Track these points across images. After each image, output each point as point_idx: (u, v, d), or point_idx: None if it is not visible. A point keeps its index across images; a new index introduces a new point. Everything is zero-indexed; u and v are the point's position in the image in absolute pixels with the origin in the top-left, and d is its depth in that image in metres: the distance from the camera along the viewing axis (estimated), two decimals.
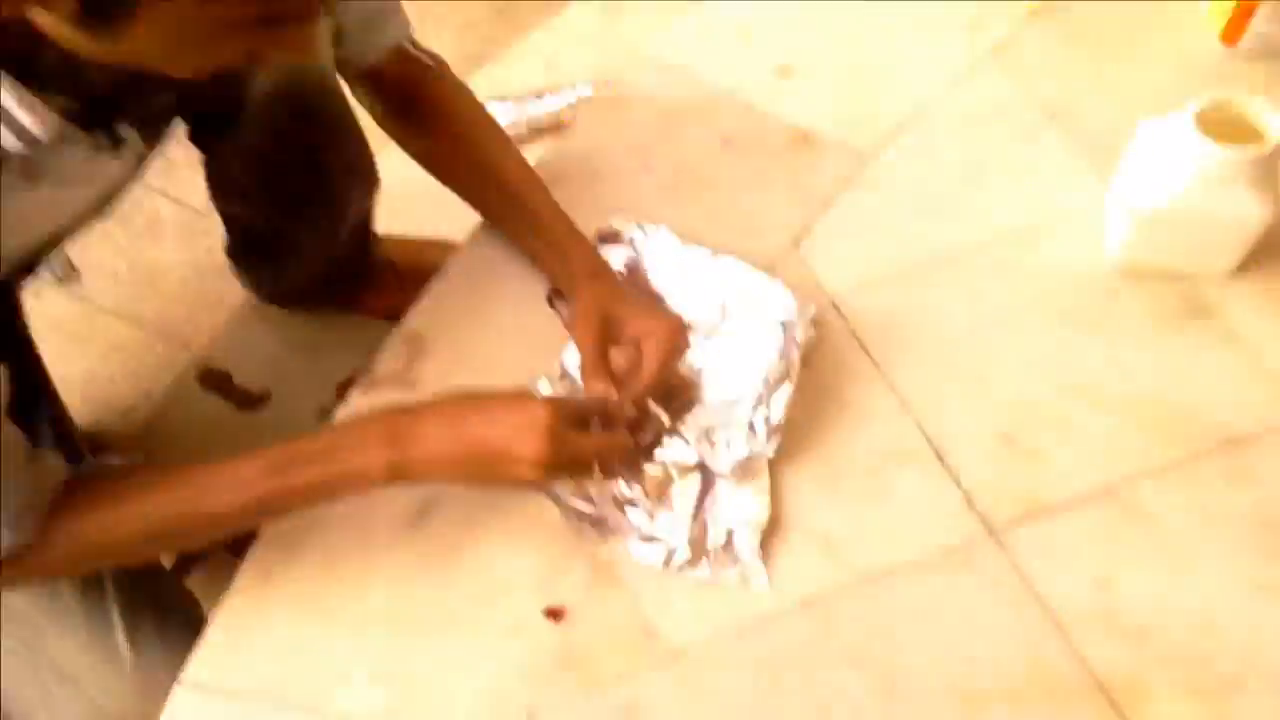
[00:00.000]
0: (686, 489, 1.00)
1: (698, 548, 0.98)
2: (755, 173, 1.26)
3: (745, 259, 1.14)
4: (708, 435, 1.02)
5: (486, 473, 0.91)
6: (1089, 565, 0.99)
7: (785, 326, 1.05)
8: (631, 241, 1.14)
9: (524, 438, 0.87)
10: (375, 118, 1.16)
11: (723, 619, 0.97)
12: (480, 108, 1.16)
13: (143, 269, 1.78)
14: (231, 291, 1.60)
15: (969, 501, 1.02)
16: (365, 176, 1.31)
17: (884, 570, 0.99)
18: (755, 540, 0.98)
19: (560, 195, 1.16)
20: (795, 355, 1.04)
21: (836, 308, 1.15)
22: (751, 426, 1.01)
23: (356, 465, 0.88)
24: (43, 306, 1.74)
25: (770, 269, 1.16)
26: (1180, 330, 1.11)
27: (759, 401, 1.02)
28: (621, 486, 1.00)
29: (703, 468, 1.01)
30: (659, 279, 1.12)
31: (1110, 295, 1.14)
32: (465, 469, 0.90)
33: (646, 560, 0.98)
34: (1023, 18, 1.37)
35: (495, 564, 1.00)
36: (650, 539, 0.99)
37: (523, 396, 0.90)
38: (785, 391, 1.02)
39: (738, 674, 0.94)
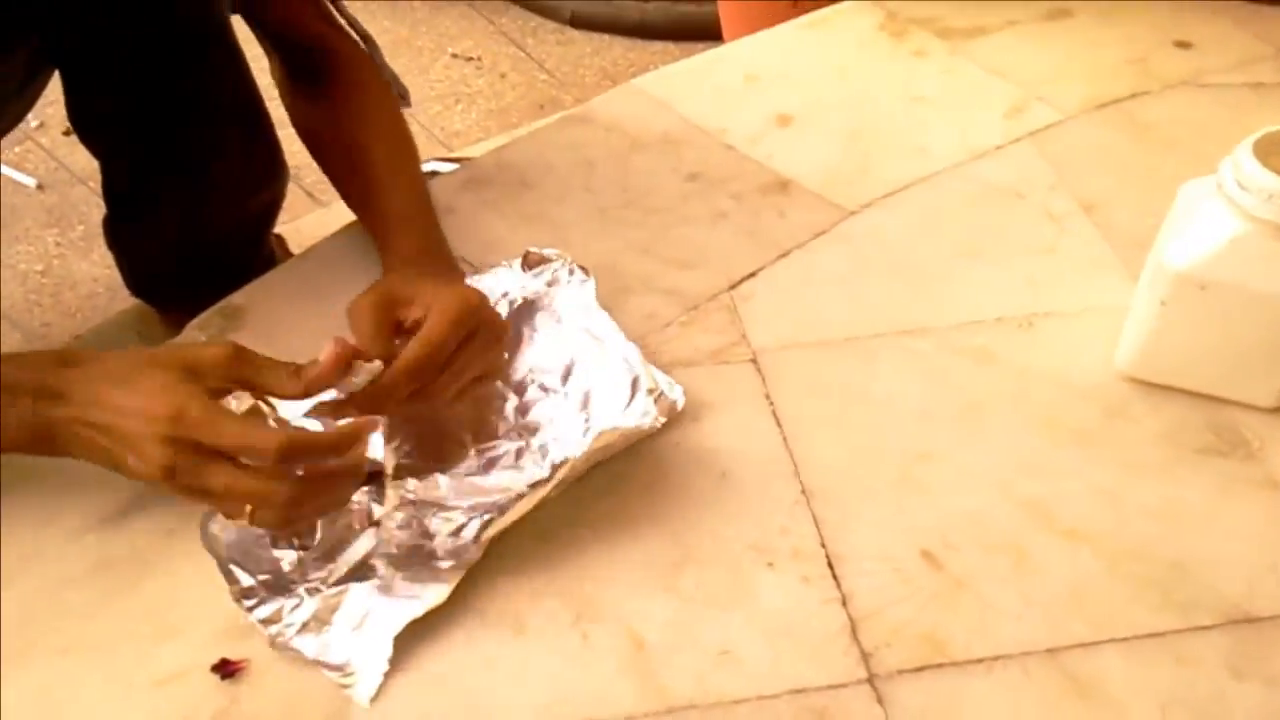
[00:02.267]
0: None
1: (327, 610, 0.72)
2: (712, 209, 1.03)
3: (670, 290, 0.94)
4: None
5: (121, 470, 0.68)
6: None
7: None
8: (553, 277, 0.90)
9: (140, 440, 0.65)
10: (273, 73, 1.01)
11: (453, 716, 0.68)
12: (386, 100, 1.00)
13: (58, 277, 1.62)
14: (131, 314, 1.41)
15: (852, 631, 0.73)
16: (258, 155, 1.13)
17: (706, 702, 0.69)
18: (389, 643, 0.70)
19: (487, 196, 1.03)
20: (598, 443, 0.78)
21: (755, 362, 0.89)
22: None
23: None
24: None
25: (693, 306, 0.91)
26: (1200, 466, 0.82)
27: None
28: None
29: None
30: (541, 319, 0.88)
31: (1113, 408, 0.86)
32: (100, 461, 0.69)
33: (257, 614, 0.71)
34: (1075, 111, 1.13)
35: (180, 593, 0.74)
36: (279, 584, 0.72)
37: (165, 389, 0.66)
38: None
39: None
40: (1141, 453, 0.83)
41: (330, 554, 0.73)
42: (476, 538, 0.74)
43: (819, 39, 1.25)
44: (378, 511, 0.75)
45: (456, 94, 1.96)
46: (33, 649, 0.70)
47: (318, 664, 0.69)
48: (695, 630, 0.72)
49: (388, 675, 0.69)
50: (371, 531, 0.74)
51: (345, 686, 0.68)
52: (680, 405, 0.84)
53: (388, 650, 0.69)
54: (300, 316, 0.90)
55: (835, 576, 0.76)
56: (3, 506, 0.76)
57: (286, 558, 0.73)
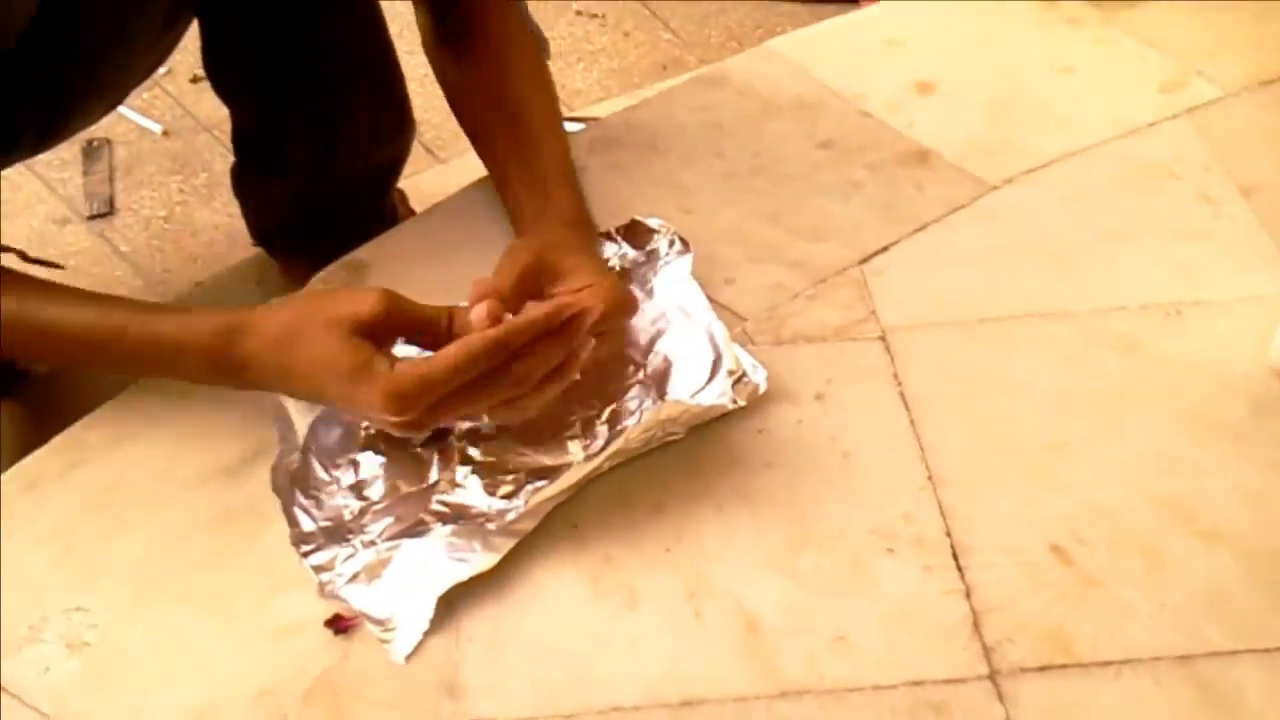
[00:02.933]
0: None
1: (379, 564, 0.72)
2: (846, 179, 1.00)
3: (797, 261, 0.92)
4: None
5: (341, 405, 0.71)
6: None
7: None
8: (654, 247, 0.88)
9: (366, 417, 0.71)
10: (422, 32, 1.00)
11: (561, 698, 0.68)
12: (536, 54, 0.98)
13: (180, 223, 1.64)
14: (251, 263, 1.45)
15: (975, 624, 0.70)
16: (387, 107, 1.13)
17: (819, 687, 0.68)
18: (432, 602, 0.70)
19: (615, 158, 1.01)
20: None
21: (884, 341, 0.86)
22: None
23: (182, 372, 0.74)
24: (62, 235, 1.63)
25: (821, 279, 0.89)
26: None
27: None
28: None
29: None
30: (633, 290, 0.86)
31: (1263, 405, 0.81)
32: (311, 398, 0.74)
33: (313, 560, 0.73)
34: (1240, 88, 1.06)
35: None
36: (338, 532, 0.74)
37: (358, 370, 0.67)
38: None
39: None
40: None
41: (390, 508, 0.73)
42: (527, 503, 0.73)
43: (964, 4, 1.20)
44: (434, 474, 0.75)
45: (578, 52, 1.94)
46: (153, 596, 0.71)
47: (361, 615, 0.69)
48: (811, 614, 0.71)
49: (496, 642, 0.69)
50: (428, 490, 0.74)
51: (384, 641, 0.68)
52: (763, 389, 0.81)
53: (429, 610, 0.69)
54: (424, 274, 0.89)
55: (959, 567, 0.73)
56: (124, 454, 0.78)
57: (349, 506, 0.73)
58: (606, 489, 0.76)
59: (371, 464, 0.75)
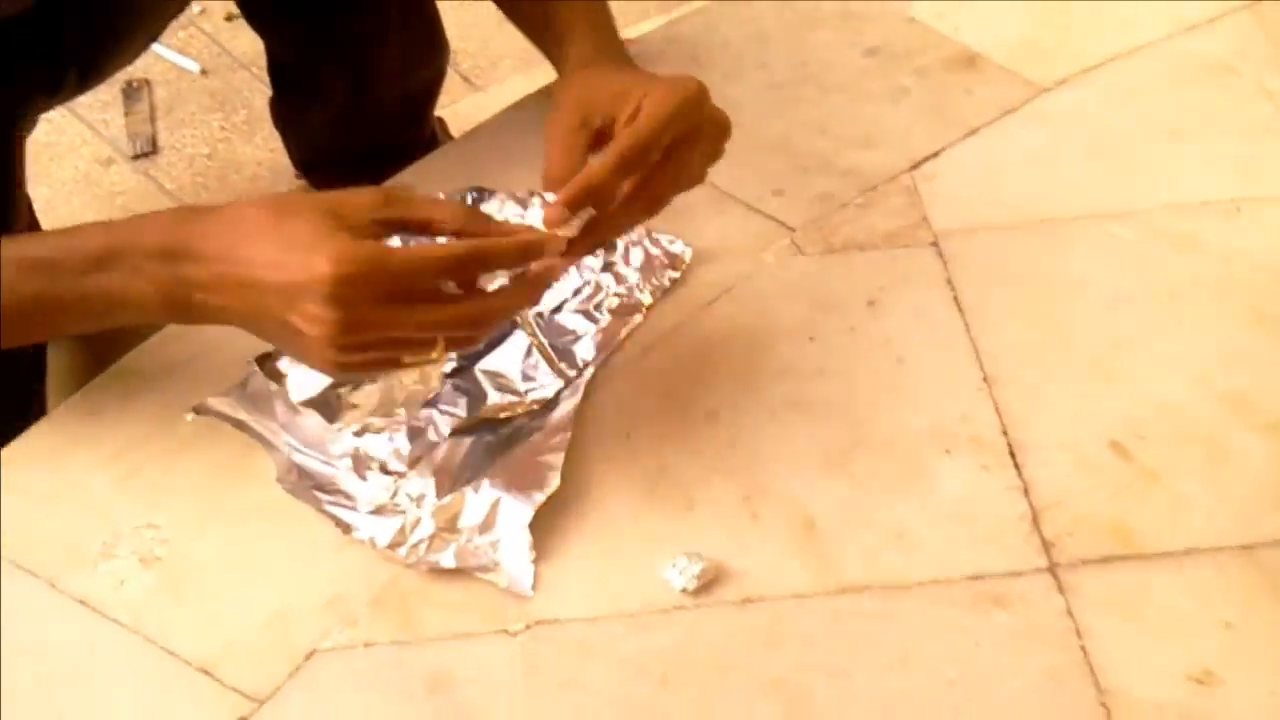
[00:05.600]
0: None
1: (448, 520, 0.70)
2: (894, 86, 0.98)
3: (846, 170, 0.91)
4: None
5: (273, 337, 0.63)
6: (1187, 647, 0.65)
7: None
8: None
9: (299, 299, 0.57)
10: None
11: (624, 596, 0.69)
12: None
13: (223, 160, 1.65)
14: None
15: (1035, 520, 0.70)
16: (419, 31, 1.13)
17: (879, 583, 0.68)
18: (525, 532, 0.69)
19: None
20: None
21: (937, 246, 0.85)
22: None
23: (129, 295, 0.63)
24: (108, 176, 1.64)
25: (871, 187, 0.89)
26: None
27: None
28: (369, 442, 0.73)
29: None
30: None
31: None
32: (250, 325, 0.63)
33: (378, 540, 0.70)
34: None
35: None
36: (385, 509, 0.71)
37: (315, 236, 0.57)
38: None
39: (612, 670, 0.66)
40: None
41: (423, 469, 0.72)
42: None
43: None
44: (444, 429, 0.74)
45: None
46: (218, 512, 0.73)
47: (463, 571, 0.69)
48: (868, 514, 0.71)
49: (559, 548, 0.70)
50: (455, 439, 0.74)
51: (500, 584, 0.68)
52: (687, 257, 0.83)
53: (527, 539, 0.69)
54: None
55: (1017, 465, 0.73)
56: (182, 378, 0.78)
57: (381, 486, 0.71)
58: (659, 399, 0.77)
59: (371, 441, 0.73)
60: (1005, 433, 0.75)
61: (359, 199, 0.60)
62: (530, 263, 0.63)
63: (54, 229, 0.67)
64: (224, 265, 0.60)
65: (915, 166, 0.91)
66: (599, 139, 0.68)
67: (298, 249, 0.57)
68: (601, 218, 0.66)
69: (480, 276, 0.63)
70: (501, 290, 0.64)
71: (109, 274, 0.62)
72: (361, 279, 0.57)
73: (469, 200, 0.86)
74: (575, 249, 0.66)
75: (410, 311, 0.59)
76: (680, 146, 0.67)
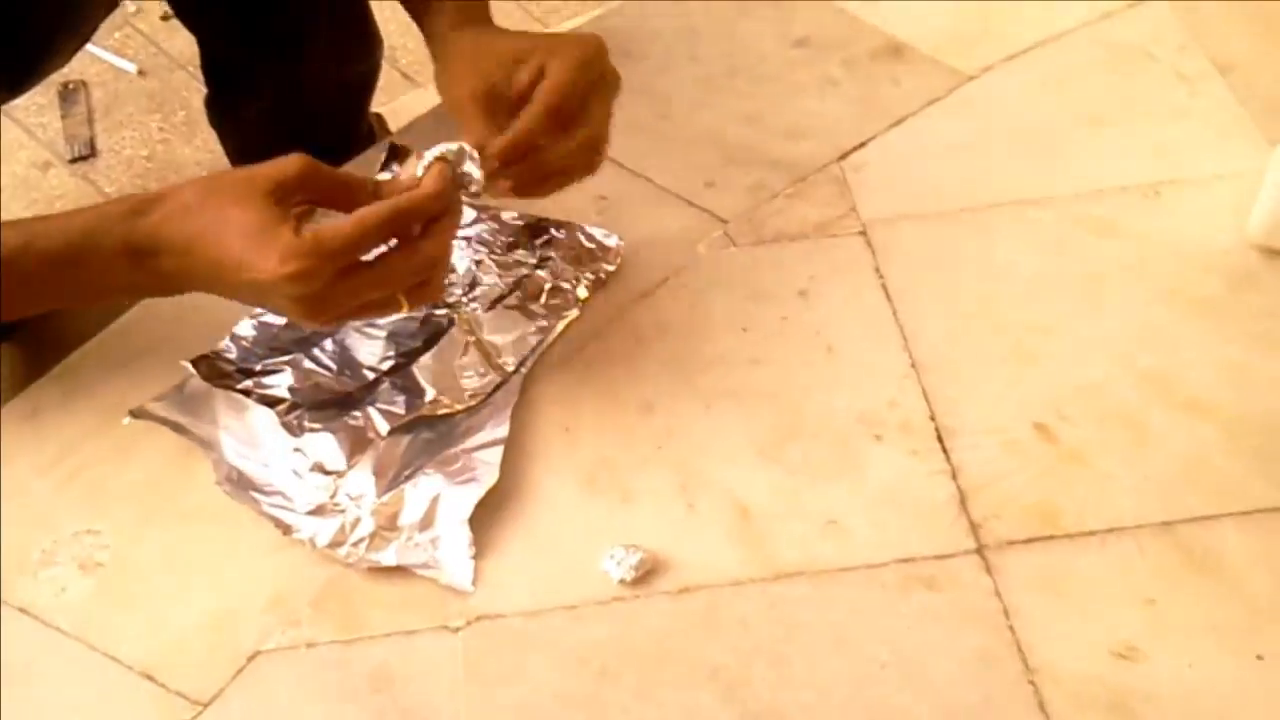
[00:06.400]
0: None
1: (388, 518, 0.71)
2: (822, 77, 1.00)
3: (776, 161, 0.92)
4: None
5: (253, 301, 0.68)
6: (1110, 623, 0.67)
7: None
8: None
9: (266, 295, 0.63)
10: None
11: (563, 589, 0.70)
12: None
13: (163, 162, 1.64)
14: None
15: (961, 502, 0.72)
16: (351, 25, 1.13)
17: (813, 569, 0.70)
18: (464, 528, 0.71)
19: None
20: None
21: (865, 235, 0.87)
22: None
23: (103, 287, 0.68)
24: (46, 180, 1.63)
25: (801, 177, 0.90)
26: None
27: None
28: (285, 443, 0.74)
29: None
30: None
31: (1241, 279, 0.82)
32: (226, 294, 0.67)
33: (319, 540, 0.70)
34: None
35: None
36: (324, 509, 0.72)
37: (264, 232, 0.62)
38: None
39: (553, 662, 0.67)
40: (1270, 324, 0.80)
41: (362, 468, 0.73)
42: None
43: None
44: (382, 427, 0.74)
45: None
46: (159, 515, 0.73)
47: (404, 568, 0.69)
48: (801, 500, 0.73)
49: (499, 542, 0.71)
50: (391, 438, 0.74)
51: (440, 581, 0.69)
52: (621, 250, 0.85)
53: (467, 535, 0.70)
54: None
55: (945, 449, 0.75)
56: (122, 380, 0.78)
57: (320, 485, 0.72)
58: (595, 392, 0.78)
59: (309, 441, 0.74)
60: (933, 418, 0.76)
61: (289, 172, 0.64)
62: (447, 205, 0.66)
63: (8, 221, 0.69)
64: (189, 258, 0.64)
65: (844, 157, 0.93)
66: (503, 101, 0.72)
67: (251, 247, 0.61)
68: (536, 174, 0.71)
69: (413, 228, 0.66)
70: (429, 231, 0.66)
71: (80, 271, 0.66)
72: (313, 269, 0.61)
73: (383, 157, 0.87)
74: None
75: (363, 276, 0.63)
76: (591, 98, 0.72)
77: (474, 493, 0.71)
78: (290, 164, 0.65)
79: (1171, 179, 0.89)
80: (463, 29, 0.78)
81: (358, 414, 0.74)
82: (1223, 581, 0.68)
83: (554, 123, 0.70)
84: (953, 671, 0.66)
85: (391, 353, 0.78)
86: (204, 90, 1.22)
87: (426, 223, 0.65)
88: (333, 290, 0.62)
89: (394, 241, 0.65)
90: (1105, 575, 0.69)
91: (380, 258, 0.64)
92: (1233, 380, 0.77)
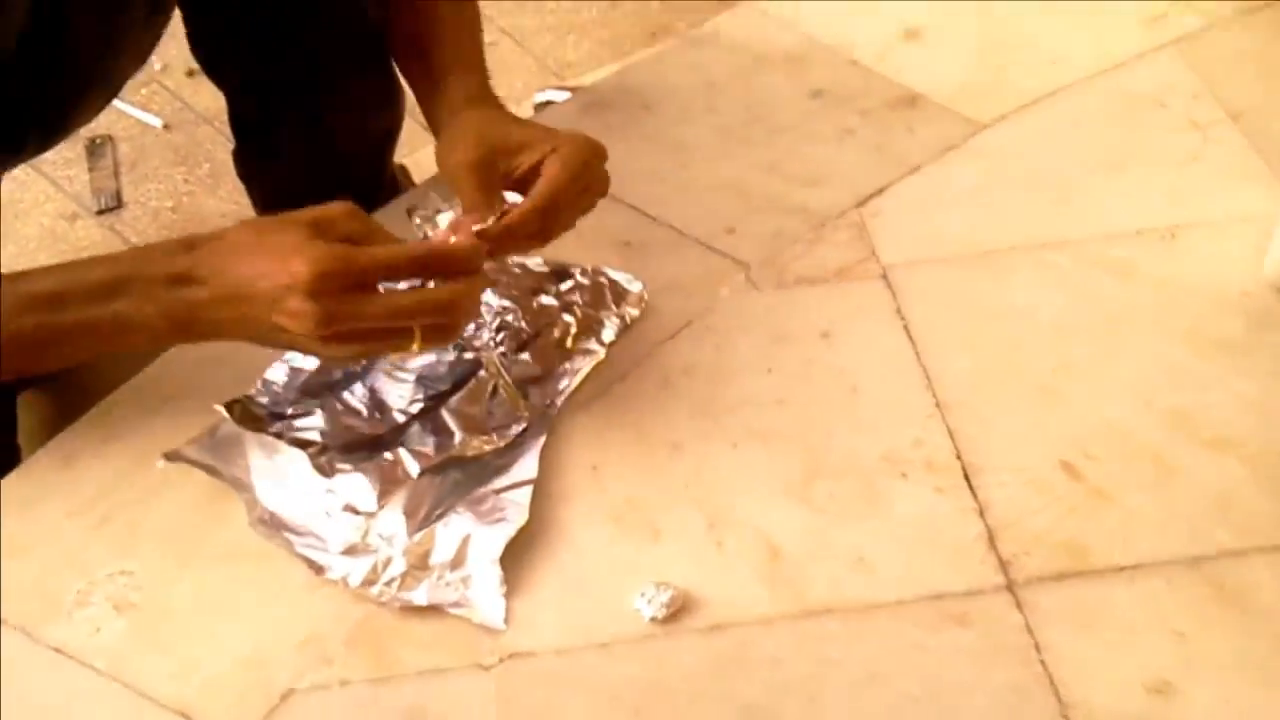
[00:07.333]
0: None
1: (419, 557, 0.72)
2: (839, 126, 1.02)
3: (795, 208, 0.94)
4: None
5: (269, 341, 0.69)
6: (1142, 658, 0.67)
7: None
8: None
9: (284, 298, 0.64)
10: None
11: (594, 627, 0.70)
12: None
13: (188, 213, 1.67)
14: None
15: (990, 539, 0.73)
16: (375, 77, 1.15)
17: (843, 606, 0.70)
18: (495, 566, 0.71)
19: (608, 120, 1.02)
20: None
21: (885, 279, 0.88)
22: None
23: (138, 319, 0.69)
24: (74, 231, 1.65)
25: (820, 224, 0.92)
26: None
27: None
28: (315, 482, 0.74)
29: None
30: None
31: (1260, 319, 0.83)
32: (247, 334, 0.69)
33: (351, 579, 0.71)
34: (1223, 16, 1.08)
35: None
36: (356, 549, 0.72)
37: (297, 245, 0.64)
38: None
39: (586, 701, 0.67)
40: None
41: (393, 509, 0.73)
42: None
43: None
44: (413, 468, 0.74)
45: (568, 24, 1.96)
46: (192, 556, 0.74)
47: (436, 607, 0.70)
48: (830, 538, 0.73)
49: (530, 581, 0.71)
50: (425, 479, 0.75)
51: (472, 620, 0.69)
52: (646, 294, 0.87)
53: (498, 574, 0.70)
54: None
55: (971, 487, 0.75)
56: (155, 424, 0.79)
57: (352, 526, 0.72)
58: (623, 432, 0.79)
59: (341, 482, 0.74)
60: (959, 456, 0.77)
61: (333, 212, 0.68)
62: (477, 264, 0.69)
63: (51, 265, 0.73)
64: (219, 282, 0.66)
65: (862, 203, 0.94)
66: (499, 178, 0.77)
67: (279, 258, 0.64)
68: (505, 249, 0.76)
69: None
70: (453, 277, 0.68)
71: (119, 300, 0.68)
72: (335, 274, 0.63)
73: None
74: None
75: (377, 300, 0.65)
76: (579, 200, 0.78)
77: (504, 532, 0.72)
78: (336, 206, 0.68)
79: (1187, 222, 0.91)
80: (471, 107, 0.83)
81: (388, 455, 0.75)
82: (1254, 616, 0.68)
83: (542, 221, 0.75)
84: (986, 707, 0.66)
85: (420, 395, 0.79)
86: (229, 143, 1.24)
87: (453, 273, 0.68)
88: (343, 305, 0.64)
89: (417, 282, 0.67)
90: (1136, 611, 0.69)
91: (405, 294, 0.67)
92: (1256, 417, 0.78)
